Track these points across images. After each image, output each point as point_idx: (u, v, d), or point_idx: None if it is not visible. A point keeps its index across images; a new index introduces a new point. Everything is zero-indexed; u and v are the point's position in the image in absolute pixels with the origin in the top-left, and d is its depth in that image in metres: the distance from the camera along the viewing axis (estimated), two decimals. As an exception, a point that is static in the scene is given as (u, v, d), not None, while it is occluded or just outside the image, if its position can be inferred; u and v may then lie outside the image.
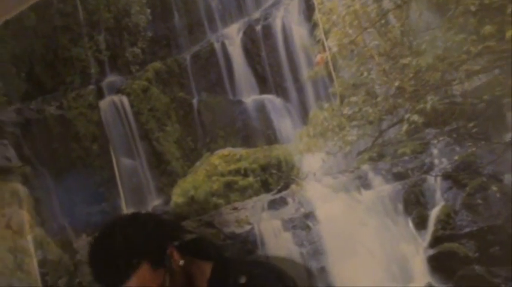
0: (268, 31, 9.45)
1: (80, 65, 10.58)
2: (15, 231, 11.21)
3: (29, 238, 10.35)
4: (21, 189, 10.66)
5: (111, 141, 9.56)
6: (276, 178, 8.18)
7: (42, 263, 10.06)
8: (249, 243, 7.48)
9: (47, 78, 10.65)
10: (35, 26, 11.00)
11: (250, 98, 9.15)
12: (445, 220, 6.21)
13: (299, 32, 9.04)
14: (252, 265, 2.03)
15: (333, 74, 7.50)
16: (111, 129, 9.64)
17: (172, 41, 10.24)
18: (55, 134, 9.94)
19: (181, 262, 1.95)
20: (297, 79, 9.07)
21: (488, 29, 5.34)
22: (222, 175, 8.34)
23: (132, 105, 9.68)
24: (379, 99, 6.76)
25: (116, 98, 9.96)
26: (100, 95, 10.19)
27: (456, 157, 6.53)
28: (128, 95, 9.71)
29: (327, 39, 7.25)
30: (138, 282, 1.88)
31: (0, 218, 10.97)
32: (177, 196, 8.13)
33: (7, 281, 9.89)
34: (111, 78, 10.24)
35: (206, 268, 2.01)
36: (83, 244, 9.46)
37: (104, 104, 9.92)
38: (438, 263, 6.13)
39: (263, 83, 9.34)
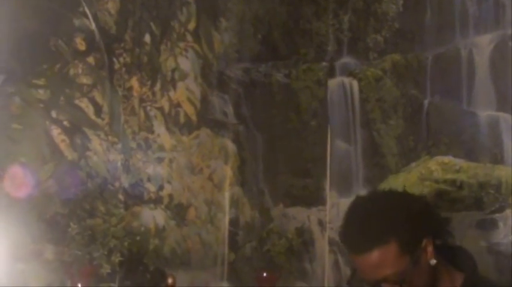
0: (522, 49, 9.52)
1: (318, 40, 11.10)
2: (215, 184, 11.97)
3: (227, 194, 11.04)
4: (231, 146, 11.37)
5: (330, 121, 10.02)
6: (492, 199, 8.29)
7: (233, 222, 10.72)
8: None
9: (282, 45, 11.27)
10: (283, -9, 11.65)
11: (485, 112, 9.30)
12: None
13: (555, 58, 9.07)
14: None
15: None
16: (334, 110, 10.11)
17: (417, 37, 10.50)
18: (277, 101, 10.55)
19: (433, 262, 1.95)
20: (539, 105, 9.12)
21: None
22: (436, 181, 8.59)
23: (360, 91, 10.09)
24: None
25: (346, 80, 10.42)
26: (331, 73, 10.68)
27: None
28: (359, 80, 10.13)
29: None
30: (379, 258, 1.89)
31: (205, 169, 11.76)
32: (384, 191, 8.45)
33: (196, 230, 10.64)
34: (346, 59, 10.69)
35: (457, 279, 2.02)
36: (278, 213, 10.02)
37: (332, 83, 10.40)
38: None
39: (503, 101, 9.41)
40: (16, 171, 7.87)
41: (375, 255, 1.88)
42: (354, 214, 2.00)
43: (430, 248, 1.94)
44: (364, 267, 1.92)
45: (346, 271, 9.49)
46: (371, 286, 1.97)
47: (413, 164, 9.17)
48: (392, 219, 1.91)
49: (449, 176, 8.37)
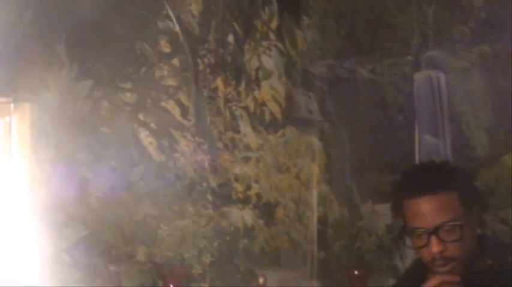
0: None
1: (402, 34, 10.98)
2: (303, 183, 11.98)
3: (314, 192, 11.05)
4: (317, 143, 11.35)
5: (418, 116, 9.92)
6: None
7: (322, 220, 10.70)
8: (543, 250, 7.52)
9: (366, 40, 11.18)
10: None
11: None
12: None
13: None
14: None
15: None
16: (421, 104, 10.00)
17: (506, 27, 10.28)
18: (362, 97, 10.49)
19: (479, 231, 2.06)
20: None
21: None
22: (530, 174, 8.43)
23: (448, 84, 9.96)
24: None
25: (432, 73, 10.29)
26: (417, 67, 10.57)
27: None
28: (446, 73, 10.02)
29: None
30: (442, 201, 1.99)
31: (292, 168, 11.77)
32: (474, 186, 8.34)
33: (285, 229, 10.67)
34: (432, 52, 10.56)
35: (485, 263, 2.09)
36: (368, 210, 9.96)
37: (418, 77, 10.29)
38: None
39: None
40: (104, 174, 8.04)
41: (438, 198, 2.00)
42: (414, 166, 2.15)
43: (479, 217, 2.06)
44: (424, 211, 2.01)
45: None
46: (417, 244, 2.04)
47: (505, 157, 9.00)
48: (455, 173, 2.06)
49: (544, 168, 8.19)
